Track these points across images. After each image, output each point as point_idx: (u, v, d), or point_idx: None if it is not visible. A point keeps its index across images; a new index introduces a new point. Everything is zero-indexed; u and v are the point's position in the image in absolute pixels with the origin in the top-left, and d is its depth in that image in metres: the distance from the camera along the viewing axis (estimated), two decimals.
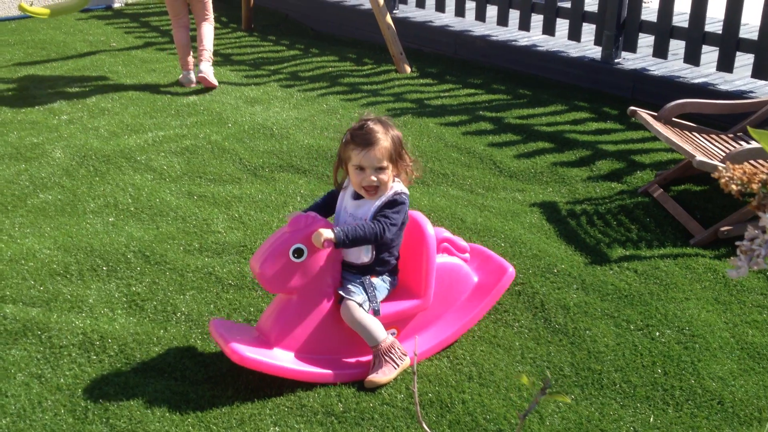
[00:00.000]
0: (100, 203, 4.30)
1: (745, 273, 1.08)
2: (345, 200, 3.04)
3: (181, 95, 6.08)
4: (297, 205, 4.31)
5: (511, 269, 3.29)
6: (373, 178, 2.89)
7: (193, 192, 4.45)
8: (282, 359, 2.87)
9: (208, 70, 6.17)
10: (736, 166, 1.09)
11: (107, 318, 3.30)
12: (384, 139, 2.90)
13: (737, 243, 1.11)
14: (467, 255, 3.29)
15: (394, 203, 2.93)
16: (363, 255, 2.97)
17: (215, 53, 7.24)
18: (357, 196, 3.00)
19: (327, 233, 2.81)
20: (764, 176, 1.07)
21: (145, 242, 3.88)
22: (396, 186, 2.97)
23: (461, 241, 3.29)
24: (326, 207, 3.12)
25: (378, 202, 2.93)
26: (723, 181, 1.09)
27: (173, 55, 7.29)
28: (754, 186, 1.06)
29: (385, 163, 2.89)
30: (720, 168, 1.13)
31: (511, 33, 7.05)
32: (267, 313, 2.98)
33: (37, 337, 3.15)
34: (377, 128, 2.91)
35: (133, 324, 3.26)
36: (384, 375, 2.89)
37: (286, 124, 5.46)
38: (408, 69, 6.74)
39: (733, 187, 1.07)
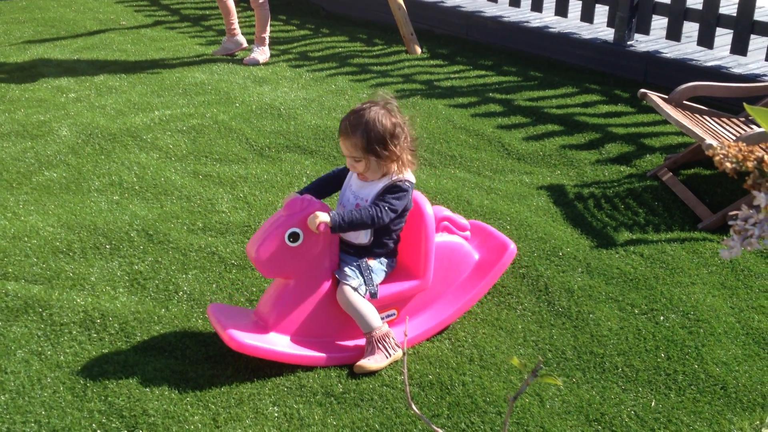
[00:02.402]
0: (104, 181, 4.29)
1: (738, 253, 1.04)
2: (352, 179, 3.01)
3: (189, 74, 6.06)
4: (303, 185, 4.28)
5: (513, 246, 3.25)
6: (353, 165, 2.90)
7: (199, 171, 4.44)
8: (280, 344, 2.85)
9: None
10: (731, 144, 1.05)
11: (109, 296, 3.29)
12: (359, 132, 2.83)
13: (730, 222, 1.07)
14: (468, 233, 3.25)
15: (396, 189, 2.89)
16: (362, 236, 2.94)
17: (224, 32, 7.22)
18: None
19: (323, 216, 2.78)
20: (760, 154, 1.04)
21: (149, 221, 3.87)
22: (404, 173, 2.94)
23: (461, 219, 3.25)
24: (324, 187, 3.08)
25: (381, 185, 2.90)
26: (717, 159, 1.06)
27: (182, 33, 7.27)
28: (749, 164, 1.02)
29: (357, 154, 2.86)
30: (715, 146, 1.10)
31: (524, 14, 6.98)
32: (265, 297, 2.96)
33: (38, 314, 3.15)
34: (366, 116, 2.84)
35: (135, 303, 3.25)
36: (375, 362, 2.87)
37: (293, 105, 5.43)
38: (418, 50, 6.68)
39: (728, 165, 1.04)
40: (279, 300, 2.89)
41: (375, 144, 2.84)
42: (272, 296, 2.92)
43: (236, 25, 6.54)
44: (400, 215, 2.96)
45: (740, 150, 1.05)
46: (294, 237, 2.82)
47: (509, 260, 3.24)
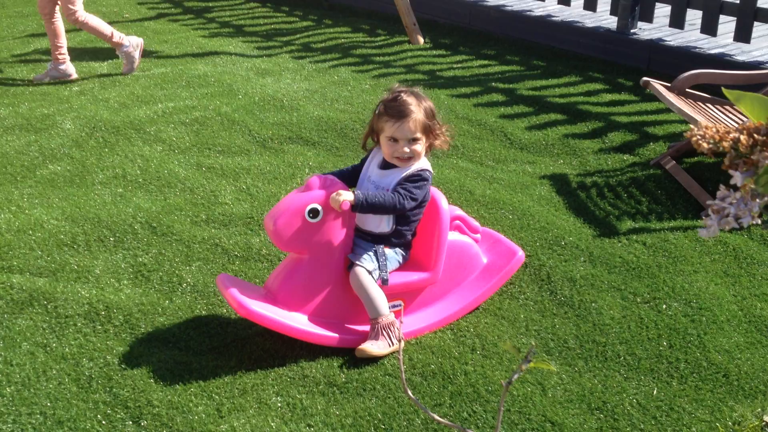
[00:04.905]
0: (108, 174, 4.30)
1: (716, 232, 1.05)
2: (371, 168, 3.03)
3: (192, 66, 6.06)
4: (305, 177, 4.29)
5: (521, 253, 3.27)
6: (406, 149, 2.90)
7: (202, 163, 4.45)
8: (287, 317, 2.87)
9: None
10: (709, 124, 1.06)
11: (113, 288, 3.31)
12: (417, 111, 2.90)
13: (708, 202, 1.08)
14: (478, 235, 3.27)
15: (417, 178, 2.92)
16: (384, 224, 2.96)
17: (227, 24, 7.24)
18: (384, 166, 2.99)
19: (346, 195, 2.82)
20: (736, 135, 1.04)
21: (153, 213, 3.88)
22: (422, 162, 2.96)
23: (474, 221, 3.28)
24: (347, 177, 3.10)
25: (401, 175, 2.92)
26: (694, 140, 1.06)
27: (185, 26, 7.28)
28: (726, 144, 1.03)
29: (418, 135, 2.90)
30: (692, 127, 1.10)
31: (526, 3, 6.96)
32: (276, 272, 2.98)
33: (43, 306, 3.17)
34: (410, 100, 2.91)
35: (139, 294, 3.27)
36: (378, 348, 2.88)
37: (296, 96, 5.43)
38: (421, 40, 6.67)
39: (704, 145, 1.04)
40: (290, 275, 2.91)
41: (430, 119, 2.93)
42: (283, 271, 2.94)
43: (64, 51, 5.74)
44: (419, 205, 2.98)
45: (717, 131, 1.05)
46: (314, 213, 2.84)
47: (516, 266, 3.26)
